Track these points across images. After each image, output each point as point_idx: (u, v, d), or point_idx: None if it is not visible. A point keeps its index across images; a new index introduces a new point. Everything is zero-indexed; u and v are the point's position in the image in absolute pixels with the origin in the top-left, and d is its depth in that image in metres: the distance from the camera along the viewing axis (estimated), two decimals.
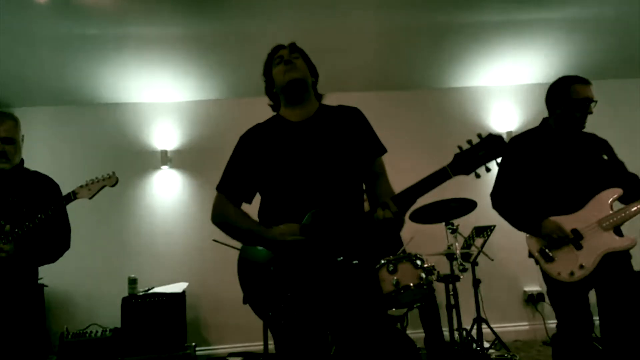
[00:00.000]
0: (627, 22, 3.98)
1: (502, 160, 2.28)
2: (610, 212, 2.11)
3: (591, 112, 2.22)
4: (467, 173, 1.39)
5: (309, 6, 3.61)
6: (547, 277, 2.21)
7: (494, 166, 1.41)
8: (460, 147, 1.41)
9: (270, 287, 1.49)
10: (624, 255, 2.14)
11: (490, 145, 1.38)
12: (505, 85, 4.65)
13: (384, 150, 1.68)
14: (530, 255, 2.29)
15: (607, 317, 2.10)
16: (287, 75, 1.63)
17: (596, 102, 2.22)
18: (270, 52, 1.75)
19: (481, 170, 1.40)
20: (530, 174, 2.26)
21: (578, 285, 2.10)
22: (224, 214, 1.70)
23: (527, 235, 2.27)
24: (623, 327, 2.03)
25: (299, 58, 1.69)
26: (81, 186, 2.43)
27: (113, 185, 2.53)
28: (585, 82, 2.25)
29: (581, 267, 2.07)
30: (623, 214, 2.10)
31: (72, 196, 2.32)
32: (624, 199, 2.18)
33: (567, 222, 2.13)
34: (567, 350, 2.15)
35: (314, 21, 3.75)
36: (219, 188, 1.73)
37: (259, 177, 1.63)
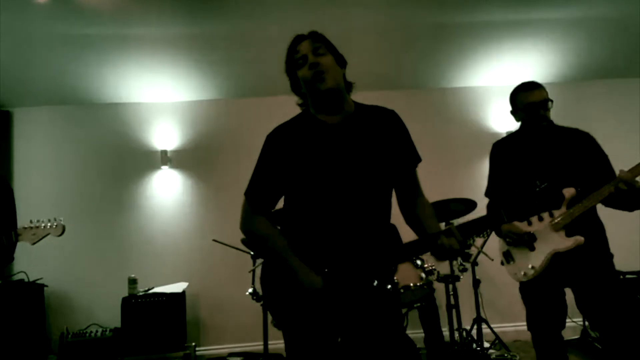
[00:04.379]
0: (627, 22, 3.98)
1: (489, 163, 2.46)
2: (564, 212, 2.12)
3: (544, 113, 2.22)
4: (521, 220, 1.52)
5: (309, 6, 3.61)
6: None
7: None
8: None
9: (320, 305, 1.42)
10: (604, 255, 2.16)
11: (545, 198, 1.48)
12: (505, 85, 4.62)
13: (419, 159, 1.62)
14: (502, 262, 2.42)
15: (595, 318, 2.13)
16: (318, 85, 1.48)
17: (549, 99, 2.23)
18: (289, 45, 1.57)
19: None
20: (502, 176, 2.37)
21: (546, 283, 2.18)
22: (256, 227, 1.56)
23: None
24: (613, 326, 2.04)
25: (325, 54, 1.52)
26: (25, 227, 2.34)
27: (59, 235, 2.41)
28: (528, 87, 2.27)
29: (532, 267, 2.18)
30: (569, 214, 2.11)
31: (14, 238, 2.26)
32: (579, 199, 2.14)
33: (525, 224, 2.18)
34: (539, 342, 2.25)
35: (314, 21, 3.72)
36: (247, 192, 1.58)
37: (288, 181, 1.52)
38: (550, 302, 2.21)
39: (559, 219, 2.13)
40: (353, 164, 1.47)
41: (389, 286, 1.44)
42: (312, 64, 1.49)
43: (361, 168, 1.47)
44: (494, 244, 3.82)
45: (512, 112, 2.36)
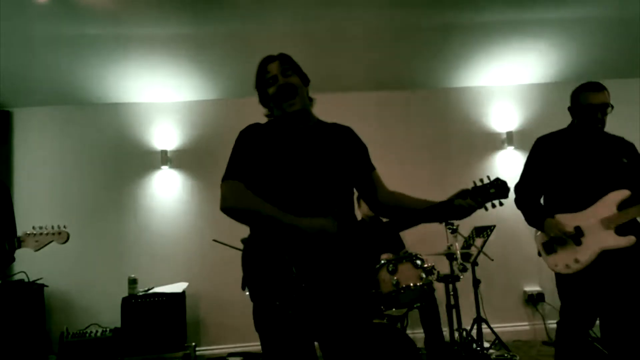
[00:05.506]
0: (627, 22, 3.98)
1: (527, 158, 2.47)
2: (616, 212, 2.18)
3: (601, 117, 2.28)
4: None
5: (309, 6, 3.61)
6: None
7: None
8: (474, 182, 1.58)
9: (282, 276, 1.47)
10: (634, 258, 2.18)
11: (498, 187, 1.57)
12: (505, 85, 4.65)
13: (373, 167, 1.78)
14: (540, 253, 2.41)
15: (610, 319, 2.18)
16: (289, 107, 1.63)
17: (610, 105, 2.29)
18: (259, 65, 1.72)
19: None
20: (548, 172, 2.36)
21: (586, 279, 2.20)
22: (241, 199, 1.56)
23: (536, 231, 2.39)
24: (624, 329, 2.09)
25: (293, 75, 1.67)
26: (28, 234, 2.31)
27: (63, 243, 2.40)
28: (594, 88, 2.31)
29: (576, 261, 2.20)
30: (625, 215, 2.17)
31: (17, 244, 2.24)
32: (632, 202, 2.22)
33: (573, 219, 2.24)
34: (566, 344, 2.26)
35: (314, 21, 3.75)
36: (228, 176, 1.60)
37: (258, 174, 1.59)
38: (587, 298, 2.22)
39: (612, 217, 2.17)
40: (318, 161, 1.59)
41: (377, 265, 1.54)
42: (280, 86, 1.64)
43: (325, 165, 1.59)
44: (494, 244, 3.84)
45: (570, 109, 2.39)
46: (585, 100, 2.28)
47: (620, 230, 2.17)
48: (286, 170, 1.57)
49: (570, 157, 2.31)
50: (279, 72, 1.66)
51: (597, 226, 2.19)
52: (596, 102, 2.26)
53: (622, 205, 2.19)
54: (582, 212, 2.24)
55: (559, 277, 2.32)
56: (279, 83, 1.65)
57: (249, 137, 1.65)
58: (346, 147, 1.70)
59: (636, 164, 2.30)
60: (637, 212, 2.16)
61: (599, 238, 2.18)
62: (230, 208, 1.57)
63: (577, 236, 2.22)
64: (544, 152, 2.40)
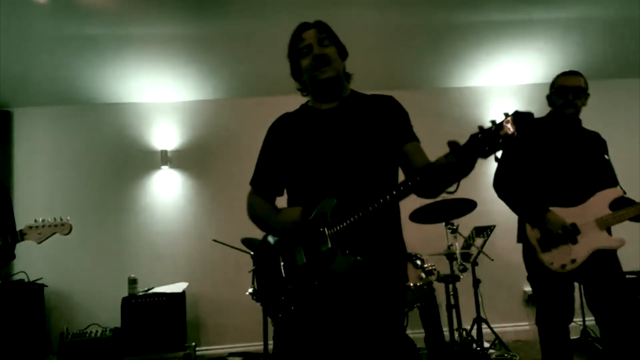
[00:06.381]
0: (627, 22, 3.98)
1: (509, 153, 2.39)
2: (609, 211, 2.17)
3: (573, 100, 2.27)
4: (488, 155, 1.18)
5: (309, 6, 3.61)
6: (531, 263, 2.29)
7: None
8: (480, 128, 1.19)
9: (275, 278, 1.45)
10: (612, 254, 2.20)
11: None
12: (505, 85, 4.65)
13: (414, 138, 1.54)
14: (520, 240, 2.35)
15: (602, 315, 2.16)
16: (321, 74, 1.49)
17: (583, 90, 2.30)
18: (294, 32, 1.58)
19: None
20: (533, 160, 2.32)
21: (563, 275, 2.19)
22: (251, 206, 1.61)
23: (528, 224, 2.32)
24: (620, 325, 2.07)
25: (329, 45, 1.52)
26: (30, 227, 2.29)
27: (66, 234, 2.38)
28: (568, 73, 2.35)
29: (573, 261, 2.17)
30: (619, 216, 2.16)
31: (20, 237, 2.21)
32: (620, 202, 2.22)
33: (568, 215, 2.21)
34: (546, 336, 2.25)
35: (314, 21, 3.75)
36: (252, 182, 1.64)
37: (286, 169, 1.55)
38: (561, 294, 2.22)
39: (607, 218, 2.16)
40: (340, 146, 1.45)
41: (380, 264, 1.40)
42: (316, 56, 1.49)
43: (349, 149, 1.44)
44: (494, 244, 3.84)
45: (547, 97, 2.40)
46: (558, 83, 2.33)
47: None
48: (310, 156, 1.48)
49: (554, 147, 2.29)
50: (315, 41, 1.52)
51: (592, 225, 2.17)
52: (569, 84, 2.29)
53: (613, 206, 2.18)
54: (576, 208, 2.20)
55: (536, 270, 2.27)
56: (314, 53, 1.50)
57: (274, 132, 1.61)
58: (380, 120, 1.51)
59: (602, 158, 2.29)
60: (629, 215, 2.15)
61: (594, 238, 2.16)
62: (249, 216, 1.61)
63: (574, 234, 2.18)
64: (525, 139, 2.34)
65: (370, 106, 1.55)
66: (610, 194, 2.18)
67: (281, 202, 1.66)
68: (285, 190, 1.62)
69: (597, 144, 2.33)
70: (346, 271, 1.33)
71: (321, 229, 1.38)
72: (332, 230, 1.36)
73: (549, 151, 2.29)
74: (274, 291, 1.44)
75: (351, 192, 1.39)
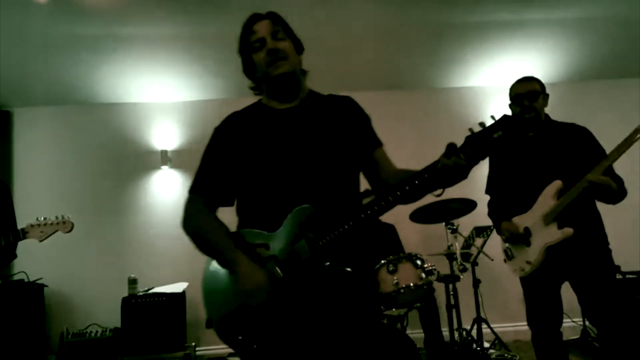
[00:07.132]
0: (627, 22, 3.98)
1: (489, 164, 2.48)
2: (552, 204, 2.12)
3: (529, 105, 2.28)
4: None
5: (309, 5, 3.61)
6: None
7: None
8: (471, 130, 1.22)
9: (241, 307, 1.25)
10: (600, 247, 2.16)
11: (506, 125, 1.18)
12: (505, 85, 4.62)
13: (380, 143, 1.47)
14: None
15: (593, 314, 2.13)
16: (275, 69, 1.36)
17: (538, 93, 2.31)
18: (245, 24, 1.45)
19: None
20: (500, 175, 2.41)
21: (543, 278, 2.19)
22: (196, 222, 1.42)
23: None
24: (611, 322, 2.04)
25: (284, 39, 1.40)
26: (32, 225, 2.29)
27: (68, 232, 2.38)
28: (520, 80, 2.40)
29: (528, 262, 2.19)
30: (558, 205, 2.09)
31: (22, 235, 2.20)
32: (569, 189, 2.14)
33: (523, 221, 2.23)
34: (537, 338, 2.27)
35: (314, 21, 3.75)
36: (192, 190, 1.45)
37: (237, 174, 1.39)
38: (546, 298, 2.22)
39: (550, 209, 2.12)
40: (300, 148, 1.33)
41: (348, 268, 1.25)
42: (270, 50, 1.36)
43: (315, 154, 1.33)
44: (494, 244, 3.83)
45: (509, 106, 2.41)
46: (512, 92, 2.36)
47: (567, 223, 2.08)
48: (267, 160, 1.34)
49: (513, 156, 2.31)
50: (268, 34, 1.39)
51: (539, 223, 2.16)
52: (522, 90, 2.31)
53: (560, 196, 2.10)
54: (529, 212, 2.21)
55: (522, 281, 2.31)
56: (268, 47, 1.37)
57: (222, 134, 1.46)
58: (344, 122, 1.41)
59: (587, 149, 2.21)
60: (569, 198, 2.06)
61: (542, 235, 2.14)
62: (186, 232, 1.42)
63: (526, 237, 2.20)
64: (497, 155, 2.39)
65: (331, 107, 1.44)
66: (551, 188, 2.12)
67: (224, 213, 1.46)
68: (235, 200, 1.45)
69: (570, 136, 2.27)
70: (325, 279, 1.24)
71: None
72: (319, 244, 1.24)
73: (509, 162, 2.34)
74: (243, 321, 1.26)
75: (318, 199, 1.27)
